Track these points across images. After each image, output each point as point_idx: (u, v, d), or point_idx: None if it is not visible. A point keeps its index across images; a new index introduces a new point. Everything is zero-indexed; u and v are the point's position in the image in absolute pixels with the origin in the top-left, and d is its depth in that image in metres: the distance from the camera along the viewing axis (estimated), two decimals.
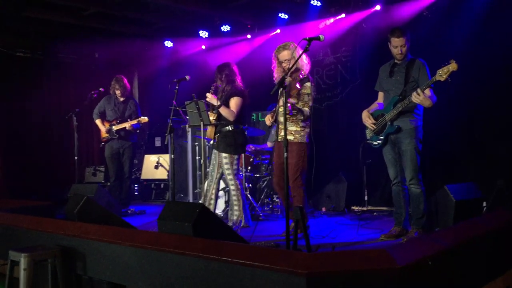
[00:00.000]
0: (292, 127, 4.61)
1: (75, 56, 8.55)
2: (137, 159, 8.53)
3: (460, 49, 5.38)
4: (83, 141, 8.26)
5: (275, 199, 6.27)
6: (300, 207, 3.33)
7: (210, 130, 5.06)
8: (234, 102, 4.97)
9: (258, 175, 6.62)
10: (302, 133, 4.61)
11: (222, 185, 6.04)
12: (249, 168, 6.49)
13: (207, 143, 6.15)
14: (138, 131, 6.79)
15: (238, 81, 5.09)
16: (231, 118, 4.94)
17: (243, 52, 7.96)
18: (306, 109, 4.55)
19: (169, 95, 4.83)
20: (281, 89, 3.64)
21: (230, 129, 4.97)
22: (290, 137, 4.58)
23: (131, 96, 7.03)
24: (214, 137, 5.05)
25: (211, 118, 4.99)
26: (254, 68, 7.64)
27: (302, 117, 4.53)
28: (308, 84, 4.60)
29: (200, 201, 5.31)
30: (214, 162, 5.08)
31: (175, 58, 8.53)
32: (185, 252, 2.63)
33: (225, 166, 4.98)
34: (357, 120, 4.82)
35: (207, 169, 5.24)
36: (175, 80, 4.76)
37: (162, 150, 8.43)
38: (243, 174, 6.01)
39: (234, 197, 5.01)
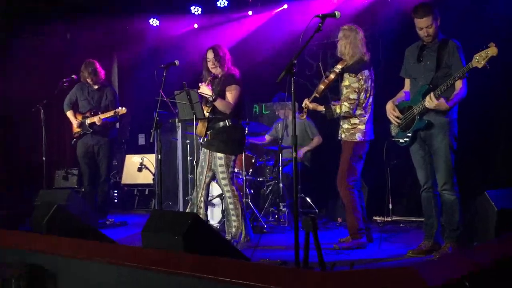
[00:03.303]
0: (344, 124, 4.92)
1: (42, 38, 8.58)
2: (117, 159, 8.55)
3: (501, 30, 5.37)
4: (52, 138, 8.28)
5: (281, 207, 6.28)
6: (311, 216, 3.33)
7: (202, 126, 5.09)
8: (232, 92, 4.99)
9: (261, 179, 6.65)
10: (352, 131, 4.85)
11: (217, 191, 6.07)
12: (251, 170, 6.52)
13: (200, 141, 6.17)
14: (117, 125, 6.81)
15: (232, 66, 5.14)
16: (227, 111, 4.97)
17: (243, 32, 7.98)
18: (346, 104, 4.78)
19: (155, 84, 4.85)
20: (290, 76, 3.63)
21: (227, 124, 4.99)
22: (342, 135, 4.96)
23: (107, 83, 7.06)
24: (206, 134, 5.09)
25: (205, 111, 5.02)
26: (256, 51, 7.73)
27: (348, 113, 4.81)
28: (347, 75, 4.78)
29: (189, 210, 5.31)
30: (204, 164, 5.12)
31: (162, 40, 8.58)
32: (175, 270, 2.65)
33: (220, 169, 5.00)
34: (380, 113, 4.83)
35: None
36: (162, 65, 4.78)
37: (146, 149, 8.45)
38: (243, 177, 6.03)
39: (231, 205, 5.03)
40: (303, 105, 4.97)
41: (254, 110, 7.88)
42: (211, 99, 4.95)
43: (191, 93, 4.86)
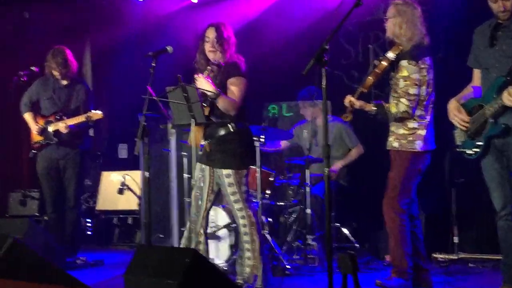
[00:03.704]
0: (398, 129, 4.93)
1: None
2: (90, 178, 8.55)
3: None
4: (5, 149, 8.29)
5: (310, 241, 6.28)
6: (350, 253, 3.33)
7: (196, 132, 5.03)
8: (237, 86, 5.00)
9: (282, 203, 6.66)
10: (410, 138, 4.89)
11: (223, 219, 6.09)
12: (268, 192, 6.53)
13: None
14: (90, 132, 6.89)
15: (236, 53, 5.18)
16: (232, 112, 4.98)
17: (253, 11, 7.99)
18: (404, 102, 4.82)
19: (140, 77, 4.88)
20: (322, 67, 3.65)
21: (232, 130, 5.00)
22: (395, 144, 4.95)
23: (79, 79, 7.05)
24: (202, 144, 5.10)
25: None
26: (272, 34, 7.74)
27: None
28: (405, 62, 4.81)
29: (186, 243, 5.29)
30: (202, 184, 5.13)
31: (149, 20, 8.66)
32: None
33: (229, 190, 5.00)
34: (440, 114, 4.83)
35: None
36: (150, 53, 4.78)
37: (129, 164, 8.47)
38: (258, 201, 6.06)
39: (246, 237, 5.03)
40: (347, 103, 4.98)
41: (272, 112, 7.95)
42: (213, 95, 4.90)
43: (188, 90, 4.82)
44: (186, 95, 4.83)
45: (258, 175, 6.16)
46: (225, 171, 4.98)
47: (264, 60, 7.53)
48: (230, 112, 4.96)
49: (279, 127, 7.63)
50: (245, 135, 5.11)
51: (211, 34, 5.06)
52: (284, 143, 7.24)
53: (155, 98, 4.77)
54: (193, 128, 4.96)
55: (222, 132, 5.00)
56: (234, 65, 5.05)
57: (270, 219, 6.39)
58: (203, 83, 4.91)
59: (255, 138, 6.24)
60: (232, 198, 5.00)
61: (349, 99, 4.97)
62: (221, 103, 4.92)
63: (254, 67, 7.40)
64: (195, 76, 4.98)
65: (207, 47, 5.06)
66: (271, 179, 6.57)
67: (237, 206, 5.01)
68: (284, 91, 7.70)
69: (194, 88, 4.82)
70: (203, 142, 5.05)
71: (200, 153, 5.17)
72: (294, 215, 6.60)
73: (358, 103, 4.94)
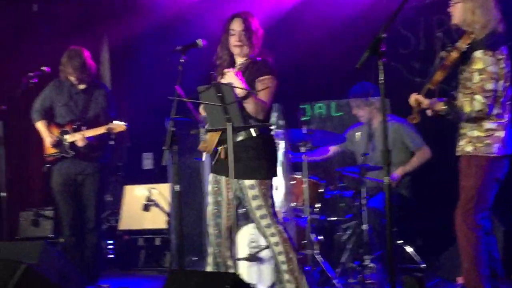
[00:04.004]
0: (472, 131, 4.89)
1: None
2: (111, 193, 8.60)
3: None
4: (15, 163, 8.35)
5: (368, 262, 6.24)
6: (416, 276, 3.33)
7: (211, 138, 5.08)
8: (267, 86, 5.03)
9: (334, 218, 6.66)
10: (487, 141, 4.85)
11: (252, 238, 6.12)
12: (318, 205, 6.51)
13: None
14: (111, 143, 6.90)
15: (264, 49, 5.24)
16: (260, 115, 5.01)
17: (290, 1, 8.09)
18: (479, 99, 4.75)
19: (166, 76, 4.88)
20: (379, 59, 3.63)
21: (253, 134, 5.01)
22: (468, 148, 4.91)
23: (98, 82, 7.10)
24: (216, 150, 5.11)
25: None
26: (312, 25, 7.75)
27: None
28: (480, 53, 4.74)
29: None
30: (220, 199, 5.15)
31: (173, 10, 8.73)
32: None
33: (254, 203, 5.00)
34: None
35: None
36: (178, 48, 4.82)
37: (156, 177, 8.50)
38: (307, 216, 6.05)
39: (282, 258, 5.03)
40: (413, 102, 4.92)
41: (318, 111, 7.95)
42: (243, 94, 4.89)
43: (223, 89, 4.78)
44: (220, 95, 4.79)
45: (305, 186, 6.15)
46: (248, 182, 4.98)
47: (304, 53, 7.60)
48: (257, 115, 4.98)
49: (326, 129, 7.64)
50: (269, 141, 5.13)
51: (237, 25, 5.10)
52: (334, 149, 7.22)
53: (185, 100, 4.79)
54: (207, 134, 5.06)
55: (241, 136, 4.98)
56: (263, 62, 5.09)
57: (320, 237, 6.35)
58: (234, 79, 4.90)
59: (300, 144, 6.31)
60: (257, 213, 4.99)
61: (415, 98, 4.89)
62: (250, 105, 4.92)
63: (292, 62, 7.44)
64: (225, 70, 4.99)
65: (233, 40, 5.08)
66: (320, 190, 6.56)
67: (264, 222, 5.01)
68: (328, 88, 7.72)
69: (230, 87, 4.80)
70: (219, 149, 5.06)
71: (213, 162, 5.20)
72: (348, 232, 6.58)
73: (426, 102, 4.85)
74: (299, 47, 7.35)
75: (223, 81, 4.90)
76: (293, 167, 6.71)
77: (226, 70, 4.98)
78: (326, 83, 7.70)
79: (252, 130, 4.97)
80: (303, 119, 6.55)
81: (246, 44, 5.07)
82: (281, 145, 6.42)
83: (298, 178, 6.61)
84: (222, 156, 5.01)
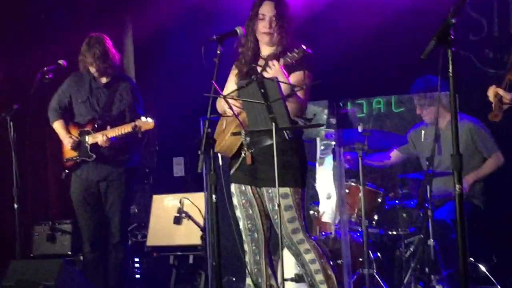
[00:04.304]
0: None
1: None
2: (138, 204, 8.66)
3: None
4: (29, 169, 8.43)
5: (434, 282, 6.22)
6: None
7: (232, 142, 5.09)
8: (305, 83, 5.08)
9: (394, 232, 6.67)
10: None
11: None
12: (376, 217, 6.55)
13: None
14: (138, 145, 6.95)
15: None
16: (298, 115, 5.10)
17: None
18: None
19: (200, 71, 4.81)
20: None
21: (287, 137, 5.01)
22: None
23: (123, 75, 7.21)
24: (240, 155, 5.09)
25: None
26: (368, 10, 7.78)
27: None
28: None
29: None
30: (251, 211, 5.21)
31: None
32: None
33: (286, 215, 5.01)
34: None
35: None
36: (214, 37, 4.83)
37: (188, 185, 8.53)
38: (362, 230, 6.07)
39: (320, 277, 5.06)
40: (491, 96, 4.83)
41: (376, 107, 7.96)
42: (288, 92, 4.91)
43: (266, 84, 4.74)
44: (263, 91, 4.76)
45: (361, 195, 6.17)
46: (282, 190, 4.92)
47: (359, 42, 7.62)
48: (297, 115, 5.05)
49: (385, 129, 7.61)
50: (301, 145, 5.18)
51: (268, 10, 5.13)
52: (396, 154, 7.24)
53: (222, 96, 4.83)
54: (224, 131, 5.07)
55: (271, 140, 4.86)
56: (303, 55, 5.02)
57: (379, 254, 6.38)
58: (279, 73, 4.90)
59: (357, 146, 6.30)
60: (290, 227, 5.01)
61: (494, 91, 4.79)
62: (292, 104, 4.96)
63: (344, 51, 7.43)
64: (270, 62, 4.97)
65: (261, 27, 5.12)
66: (379, 200, 6.60)
67: (296, 237, 5.03)
68: (388, 82, 7.73)
69: (275, 81, 4.76)
70: (244, 154, 5.05)
71: (234, 168, 5.18)
72: (411, 248, 6.56)
73: (508, 96, 4.76)
74: (352, 35, 7.40)
75: (266, 75, 4.90)
76: (347, 173, 6.69)
77: (270, 62, 4.97)
78: (384, 76, 7.70)
79: (285, 132, 4.95)
80: (358, 116, 6.53)
81: (277, 31, 5.11)
82: (333, 147, 6.42)
83: (353, 185, 6.64)
84: (249, 162, 5.03)
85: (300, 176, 5.07)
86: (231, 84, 5.17)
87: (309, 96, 5.10)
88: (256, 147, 5.04)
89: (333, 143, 6.42)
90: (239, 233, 5.25)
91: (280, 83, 4.78)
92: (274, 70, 4.92)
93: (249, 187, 5.14)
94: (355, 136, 6.33)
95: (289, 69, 5.02)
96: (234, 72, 5.28)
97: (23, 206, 6.78)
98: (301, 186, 5.06)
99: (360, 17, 7.69)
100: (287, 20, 5.12)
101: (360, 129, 6.29)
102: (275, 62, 4.95)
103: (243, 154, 5.05)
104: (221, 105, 5.12)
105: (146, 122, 6.46)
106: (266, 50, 5.21)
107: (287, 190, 4.98)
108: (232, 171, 5.20)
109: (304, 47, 4.93)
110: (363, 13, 7.65)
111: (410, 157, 7.26)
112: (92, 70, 6.73)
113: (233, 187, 5.22)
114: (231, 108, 4.89)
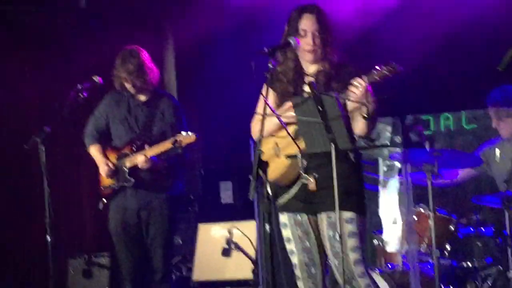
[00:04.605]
0: None
1: (32, 9, 8.84)
2: (182, 234, 8.68)
3: None
4: (62, 198, 8.35)
5: None
6: None
7: (286, 165, 5.04)
8: (372, 97, 4.97)
9: (469, 263, 6.62)
10: None
11: None
12: (448, 247, 6.51)
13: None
14: (181, 168, 6.95)
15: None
16: (365, 132, 5.05)
17: None
18: None
19: (248, 86, 4.82)
20: None
21: (353, 159, 5.04)
22: None
23: (163, 92, 7.24)
24: (300, 179, 5.00)
25: None
26: (434, 20, 7.77)
27: None
28: None
29: None
30: (308, 244, 5.16)
31: (256, 2, 8.74)
32: None
33: (350, 243, 4.97)
34: None
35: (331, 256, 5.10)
36: (265, 49, 4.76)
37: (238, 213, 8.50)
38: (433, 262, 6.02)
39: None
40: None
41: (444, 123, 7.97)
42: (369, 112, 4.83)
43: (325, 101, 4.75)
44: (321, 108, 4.75)
45: (431, 222, 6.12)
46: (347, 214, 4.94)
47: (424, 52, 7.62)
48: (367, 134, 5.03)
49: (457, 148, 7.63)
50: (362, 168, 5.18)
51: (309, 25, 5.08)
52: (465, 173, 7.16)
53: (276, 114, 4.81)
54: (271, 154, 5.01)
55: (337, 163, 4.78)
56: (354, 68, 5.06)
57: None
58: (367, 94, 4.81)
59: (425, 167, 6.26)
60: (352, 256, 4.96)
61: None
62: (361, 122, 4.93)
63: (409, 63, 7.37)
64: (353, 81, 4.82)
65: (304, 44, 5.06)
66: (451, 227, 6.57)
67: (358, 270, 4.98)
68: (458, 96, 7.73)
69: (333, 97, 4.75)
70: (305, 180, 4.93)
71: (286, 196, 5.12)
72: (489, 282, 6.50)
73: None
74: (416, 45, 7.41)
75: (352, 94, 4.80)
76: (415, 197, 6.66)
77: (355, 81, 4.81)
78: (454, 89, 7.68)
79: (349, 153, 4.95)
80: (425, 133, 6.49)
81: (322, 47, 5.07)
82: (398, 169, 6.40)
83: (422, 211, 6.62)
84: (313, 187, 4.93)
85: (363, 203, 5.06)
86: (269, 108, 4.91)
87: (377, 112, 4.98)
88: (319, 172, 4.95)
89: (398, 164, 6.37)
90: (291, 269, 5.20)
91: (341, 98, 4.79)
92: (361, 91, 4.79)
93: (306, 216, 5.10)
94: (423, 156, 6.29)
95: (347, 82, 4.91)
96: (271, 93, 5.14)
97: (56, 239, 6.65)
98: (364, 214, 5.05)
99: (424, 25, 7.71)
100: (331, 33, 5.10)
101: (427, 148, 6.27)
102: (360, 80, 4.80)
103: (303, 180, 4.93)
104: (269, 124, 4.95)
105: (187, 136, 6.41)
106: (310, 67, 5.17)
107: (353, 214, 4.95)
108: (282, 200, 5.14)
109: (395, 63, 4.80)
110: (428, 21, 7.67)
111: (481, 175, 7.20)
112: (128, 86, 6.73)
113: (285, 217, 5.16)
114: (286, 128, 4.85)
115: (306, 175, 4.90)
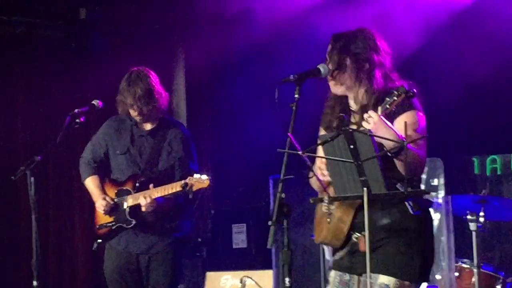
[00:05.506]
0: None
1: (30, 21, 8.83)
2: (187, 282, 8.54)
3: None
4: (52, 237, 8.42)
5: None
6: None
7: (338, 225, 4.87)
8: (417, 126, 4.90)
9: None
10: None
11: None
12: None
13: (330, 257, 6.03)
14: (189, 208, 6.76)
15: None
16: (419, 173, 4.98)
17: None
18: None
19: (269, 117, 4.91)
20: None
21: (412, 211, 4.81)
22: None
23: (172, 120, 7.16)
24: (349, 240, 4.89)
25: None
26: (480, 48, 7.72)
27: None
28: None
29: None
30: None
31: (278, 22, 8.74)
32: None
33: None
34: None
35: None
36: (291, 76, 4.60)
37: (251, 260, 8.42)
38: None
39: None
40: None
41: (491, 167, 7.71)
42: (395, 147, 4.60)
43: (357, 139, 4.63)
44: (352, 146, 4.64)
45: (475, 279, 6.16)
46: (383, 279, 4.79)
47: (468, 85, 7.67)
48: (415, 175, 4.85)
49: (505, 195, 7.53)
50: (430, 223, 5.00)
51: (328, 50, 5.03)
52: None
53: (300, 153, 4.55)
54: (325, 207, 4.79)
55: (391, 217, 4.79)
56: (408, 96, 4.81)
57: None
58: (381, 126, 4.62)
59: (470, 218, 6.14)
60: None
61: None
62: (404, 161, 4.65)
63: (451, 99, 7.44)
64: (365, 115, 4.68)
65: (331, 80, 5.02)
66: (497, 287, 6.55)
67: None
68: (507, 136, 7.58)
69: (368, 135, 4.59)
70: (356, 239, 4.84)
71: (340, 254, 4.98)
72: None
73: None
74: (460, 78, 7.29)
75: (366, 129, 4.64)
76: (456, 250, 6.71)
77: (366, 114, 4.67)
78: (502, 128, 7.62)
79: (408, 205, 4.72)
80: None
81: (364, 77, 4.93)
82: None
83: (465, 267, 6.55)
84: (362, 248, 4.71)
85: (418, 268, 4.76)
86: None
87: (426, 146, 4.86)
88: (371, 227, 4.67)
89: (439, 213, 6.44)
90: None
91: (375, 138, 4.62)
92: (373, 124, 4.64)
93: (356, 277, 4.93)
94: (467, 204, 6.21)
95: (391, 116, 4.78)
96: (322, 128, 5.14)
97: (44, 283, 6.50)
98: (416, 281, 4.83)
99: (469, 55, 7.64)
100: (356, 58, 4.92)
101: (472, 195, 6.26)
102: (371, 112, 4.66)
103: (353, 239, 4.83)
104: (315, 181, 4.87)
105: (200, 179, 6.26)
106: (355, 103, 5.04)
107: (390, 280, 4.75)
108: (335, 258, 5.01)
109: (402, 85, 4.68)
110: (478, 53, 7.52)
111: None
112: (133, 113, 6.55)
113: (333, 274, 5.02)
114: (317, 177, 4.72)
115: (357, 234, 4.82)
